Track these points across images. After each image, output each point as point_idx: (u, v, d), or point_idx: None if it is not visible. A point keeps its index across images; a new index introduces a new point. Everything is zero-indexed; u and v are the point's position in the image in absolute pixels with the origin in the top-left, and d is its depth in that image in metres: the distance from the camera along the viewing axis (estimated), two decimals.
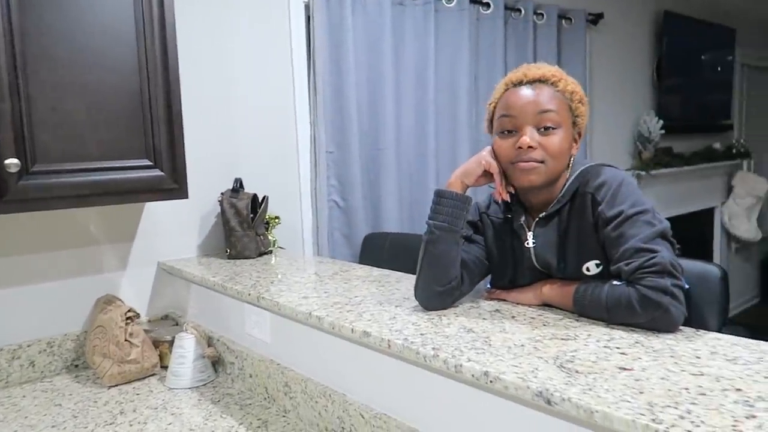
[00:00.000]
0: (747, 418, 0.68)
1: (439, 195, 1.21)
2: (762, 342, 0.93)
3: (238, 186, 1.96)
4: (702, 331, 1.00)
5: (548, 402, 0.78)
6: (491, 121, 1.24)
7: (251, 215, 1.92)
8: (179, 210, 1.95)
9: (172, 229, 1.96)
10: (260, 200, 1.98)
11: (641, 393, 0.76)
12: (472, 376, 0.89)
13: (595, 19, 3.41)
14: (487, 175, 1.21)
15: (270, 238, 2.03)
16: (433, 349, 0.97)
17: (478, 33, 2.82)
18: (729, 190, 4.90)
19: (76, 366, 1.76)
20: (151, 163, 1.54)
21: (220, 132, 2.05)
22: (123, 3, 1.50)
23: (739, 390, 0.76)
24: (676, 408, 0.72)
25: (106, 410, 1.45)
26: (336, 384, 1.25)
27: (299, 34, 2.24)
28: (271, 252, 2.01)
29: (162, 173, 1.56)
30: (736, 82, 4.86)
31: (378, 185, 2.42)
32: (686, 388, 0.77)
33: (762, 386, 0.77)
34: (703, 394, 0.75)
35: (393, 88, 2.45)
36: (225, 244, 1.96)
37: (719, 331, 1.13)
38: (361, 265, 1.73)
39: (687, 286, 1.05)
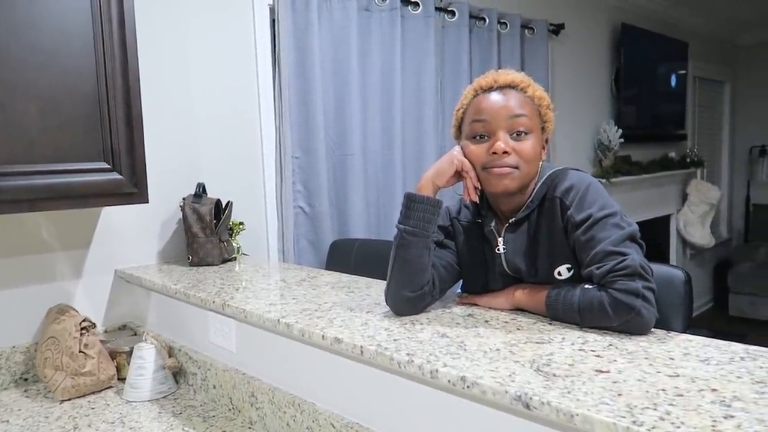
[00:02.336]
0: (725, 418, 0.68)
1: (410, 199, 1.19)
2: (732, 343, 0.94)
3: (200, 191, 1.90)
4: (673, 333, 1.00)
5: (527, 406, 0.77)
6: (459, 126, 1.23)
7: (214, 221, 1.86)
8: (138, 215, 1.88)
9: (130, 235, 1.89)
10: (224, 206, 1.92)
11: (620, 395, 0.75)
12: (449, 381, 0.87)
13: (557, 29, 3.47)
14: (458, 175, 1.20)
15: (234, 244, 1.98)
16: (408, 354, 0.95)
17: (443, 40, 2.83)
18: (684, 198, 5.06)
19: (26, 380, 1.66)
20: (108, 166, 1.47)
21: (182, 135, 1.99)
22: (78, 1, 1.44)
23: (714, 390, 0.76)
24: (655, 409, 0.71)
25: (58, 426, 1.37)
26: (305, 393, 1.21)
27: (264, 38, 2.20)
28: (235, 259, 1.96)
29: (120, 177, 1.49)
30: (689, 93, 5.03)
31: (345, 191, 2.39)
32: (663, 389, 0.77)
33: (736, 386, 0.77)
34: (681, 395, 0.75)
35: (359, 93, 2.43)
36: (187, 251, 1.89)
37: (684, 333, 1.15)
38: (329, 272, 1.70)
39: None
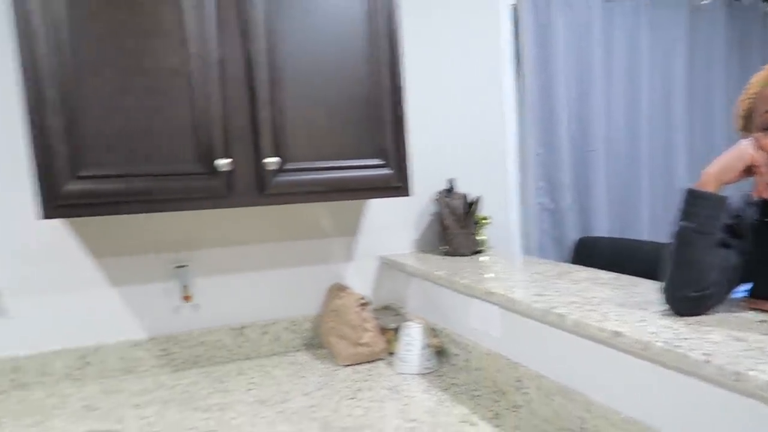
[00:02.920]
0: None
1: (693, 195, 1.15)
2: None
3: (451, 186, 2.04)
4: None
5: None
6: (747, 117, 1.15)
7: (465, 214, 1.98)
8: (396, 208, 2.09)
9: (389, 226, 2.10)
10: (472, 201, 2.04)
11: None
12: (757, 387, 0.84)
13: None
14: (747, 170, 1.13)
15: (480, 237, 2.09)
16: (704, 354, 0.93)
17: (694, 27, 2.61)
18: None
19: (312, 345, 1.96)
20: (382, 163, 1.68)
21: (435, 134, 2.15)
22: (356, 20, 1.65)
23: None
24: None
25: (344, 386, 1.60)
26: (576, 384, 1.25)
27: (506, 37, 2.26)
28: (482, 251, 2.07)
29: (391, 171, 1.69)
30: None
31: (587, 187, 2.36)
32: None
33: None
34: None
35: (602, 87, 2.37)
36: (440, 242, 2.05)
37: None
38: (584, 267, 1.70)
39: None
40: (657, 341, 1.01)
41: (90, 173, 1.36)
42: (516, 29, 2.26)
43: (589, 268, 1.68)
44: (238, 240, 1.88)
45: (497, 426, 1.32)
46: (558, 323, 1.25)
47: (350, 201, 2.01)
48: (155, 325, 1.80)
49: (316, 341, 1.97)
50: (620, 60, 2.41)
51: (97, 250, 1.72)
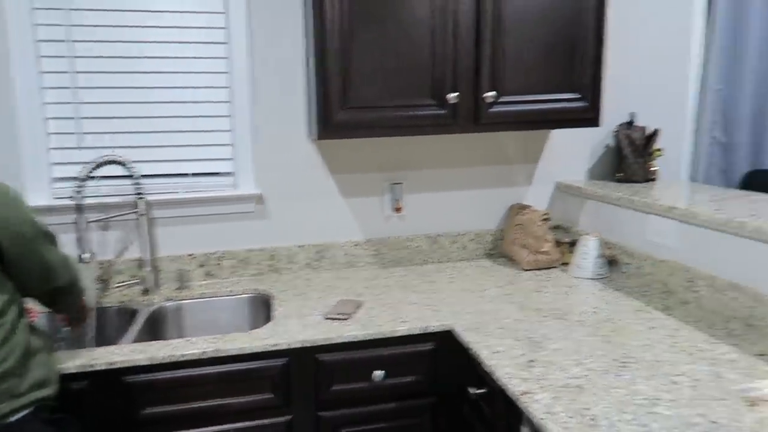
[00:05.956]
0: None
1: None
2: None
3: (632, 119, 2.23)
4: None
5: None
6: None
7: (644, 145, 2.18)
8: (574, 139, 2.33)
9: (567, 155, 2.35)
10: (650, 133, 2.22)
11: None
12: None
13: None
14: None
15: (652, 167, 2.27)
16: None
17: None
18: None
19: (492, 255, 2.32)
20: (580, 96, 1.92)
21: (621, 71, 2.32)
22: None
23: None
24: None
25: (530, 284, 1.94)
26: (749, 281, 1.47)
27: None
28: (654, 180, 2.26)
29: (587, 104, 1.93)
30: None
31: (764, 124, 2.41)
32: None
33: None
34: None
35: None
36: (614, 170, 2.27)
37: None
38: (758, 193, 1.86)
39: None
40: None
41: (354, 105, 1.78)
42: None
43: (763, 193, 1.83)
44: (440, 164, 2.25)
45: (669, 315, 1.59)
46: (738, 230, 1.47)
47: (536, 132, 2.28)
48: (371, 230, 2.24)
49: (496, 252, 2.31)
50: None
51: (335, 167, 2.18)
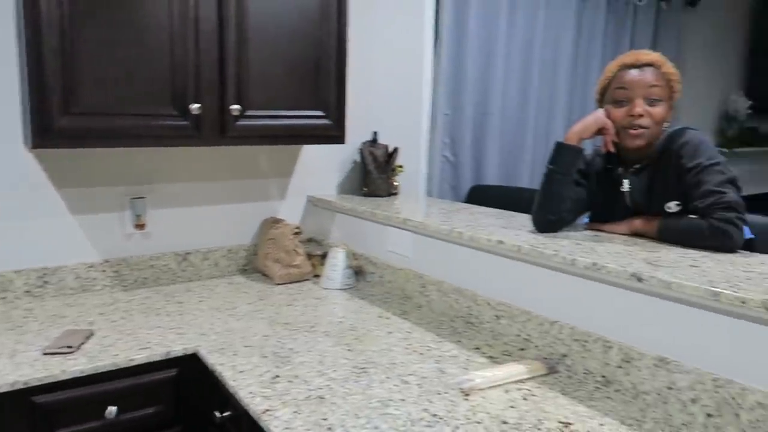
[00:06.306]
0: None
1: (560, 146, 1.58)
2: None
3: (375, 137, 2.39)
4: (756, 254, 1.34)
5: (639, 279, 1.17)
6: (603, 93, 1.58)
7: (386, 162, 2.34)
8: (325, 155, 2.41)
9: (317, 170, 2.42)
10: (391, 151, 2.40)
11: (705, 277, 1.13)
12: (584, 267, 1.28)
13: (693, 1, 3.59)
14: (599, 131, 1.56)
15: (394, 182, 2.46)
16: (554, 251, 1.37)
17: (581, 12, 3.11)
18: None
19: (246, 270, 2.27)
20: (325, 114, 1.99)
21: (361, 92, 2.46)
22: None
23: None
24: (728, 283, 1.08)
25: (280, 298, 1.93)
26: (467, 284, 1.67)
27: (429, 11, 2.59)
28: (396, 194, 2.44)
29: (330, 122, 2.00)
30: None
31: (483, 144, 2.80)
32: (736, 276, 1.13)
33: None
34: (750, 279, 1.11)
35: (503, 60, 2.80)
36: (361, 185, 2.40)
37: None
38: (477, 206, 2.13)
39: (752, 235, 1.40)
40: (525, 245, 1.44)
41: (80, 110, 1.57)
42: (437, 7, 2.62)
43: (481, 207, 2.11)
44: (188, 177, 2.12)
45: (405, 319, 1.72)
46: (457, 239, 1.66)
47: (287, 147, 2.30)
48: (109, 249, 2.01)
49: (249, 267, 2.27)
50: (519, 38, 2.84)
51: (63, 181, 1.90)
